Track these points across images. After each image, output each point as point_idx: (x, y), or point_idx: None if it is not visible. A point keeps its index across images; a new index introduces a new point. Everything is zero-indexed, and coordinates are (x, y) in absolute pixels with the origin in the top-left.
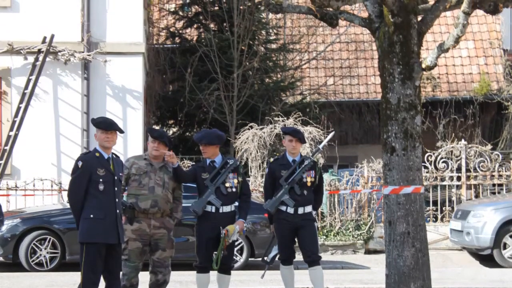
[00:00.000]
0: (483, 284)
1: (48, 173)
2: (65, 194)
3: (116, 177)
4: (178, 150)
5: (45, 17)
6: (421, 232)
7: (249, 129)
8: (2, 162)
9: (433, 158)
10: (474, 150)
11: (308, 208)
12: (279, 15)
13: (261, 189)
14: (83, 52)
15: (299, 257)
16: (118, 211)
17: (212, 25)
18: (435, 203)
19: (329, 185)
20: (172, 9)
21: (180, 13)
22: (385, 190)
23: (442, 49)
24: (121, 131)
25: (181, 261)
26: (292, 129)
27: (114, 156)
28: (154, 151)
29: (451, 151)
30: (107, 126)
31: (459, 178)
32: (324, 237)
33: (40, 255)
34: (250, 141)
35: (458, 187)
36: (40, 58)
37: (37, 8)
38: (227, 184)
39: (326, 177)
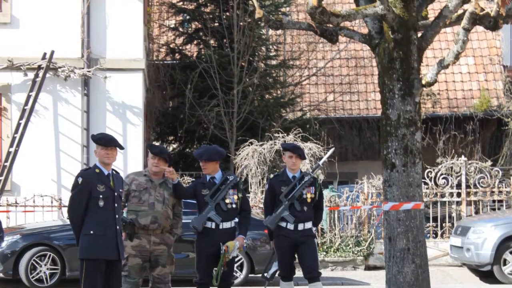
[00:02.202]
0: None
1: (48, 189)
2: (65, 210)
3: (116, 193)
4: (178, 166)
5: (45, 33)
6: (421, 248)
7: (249, 145)
8: (2, 178)
9: (433, 174)
10: (474, 166)
11: (308, 224)
12: (279, 31)
13: (261, 205)
14: (83, 68)
15: (299, 273)
16: (118, 227)
17: (212, 41)
18: (435, 219)
19: (329, 201)
20: (172, 26)
21: (180, 29)
22: (385, 206)
23: (442, 65)
24: (121, 147)
25: (181, 277)
26: (292, 145)
27: (114, 172)
28: (154, 167)
29: (451, 167)
30: (107, 142)
31: (459, 194)
32: (324, 253)
33: (40, 271)
34: (250, 157)
35: (458, 203)
36: (40, 74)
37: (37, 24)
38: (227, 200)
39: (326, 193)
